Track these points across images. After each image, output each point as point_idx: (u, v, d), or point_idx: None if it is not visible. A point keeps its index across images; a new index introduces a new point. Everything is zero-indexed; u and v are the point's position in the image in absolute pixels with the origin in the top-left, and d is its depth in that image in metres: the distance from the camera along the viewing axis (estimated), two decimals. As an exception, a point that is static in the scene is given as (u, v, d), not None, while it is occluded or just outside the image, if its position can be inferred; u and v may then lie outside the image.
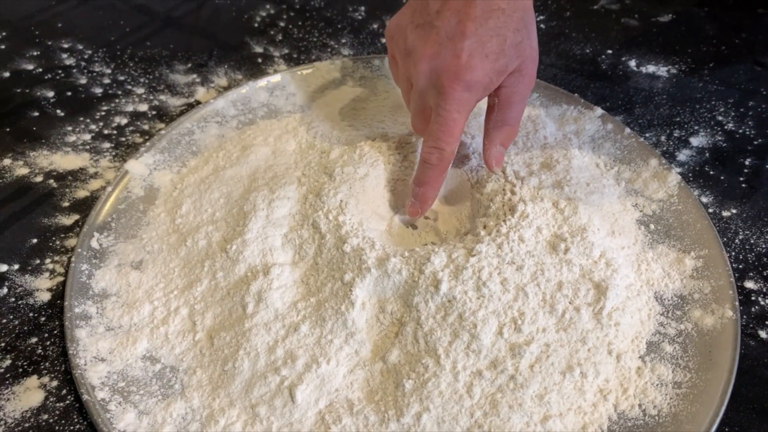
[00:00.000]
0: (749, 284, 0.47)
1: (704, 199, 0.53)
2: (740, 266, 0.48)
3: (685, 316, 0.44)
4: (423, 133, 0.47)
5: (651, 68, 0.67)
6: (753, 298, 0.46)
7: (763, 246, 0.50)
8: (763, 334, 0.44)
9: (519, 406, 0.38)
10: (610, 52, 0.69)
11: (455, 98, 0.43)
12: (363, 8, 0.74)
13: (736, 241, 0.50)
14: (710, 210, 0.52)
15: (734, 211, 0.52)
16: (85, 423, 0.39)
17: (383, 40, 0.70)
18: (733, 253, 0.49)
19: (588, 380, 0.40)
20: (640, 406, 0.40)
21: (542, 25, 0.73)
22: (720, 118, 0.61)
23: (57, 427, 0.39)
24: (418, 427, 0.37)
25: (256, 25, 0.72)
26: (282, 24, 0.72)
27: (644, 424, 0.39)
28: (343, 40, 0.70)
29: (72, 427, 0.39)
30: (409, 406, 0.38)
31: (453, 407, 0.38)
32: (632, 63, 0.67)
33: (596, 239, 0.45)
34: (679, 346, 0.43)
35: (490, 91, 0.45)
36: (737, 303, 0.44)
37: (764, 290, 0.47)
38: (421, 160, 0.46)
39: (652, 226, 0.50)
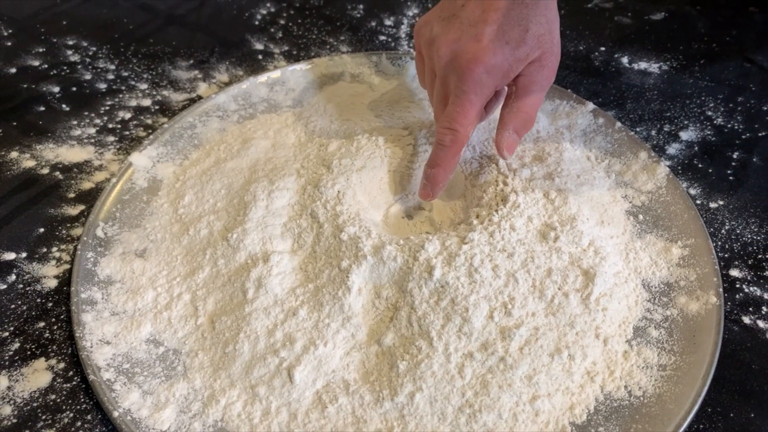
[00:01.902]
0: (734, 272, 0.49)
1: (693, 191, 0.55)
2: (726, 255, 0.50)
3: (671, 302, 0.46)
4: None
5: (643, 65, 0.68)
6: (738, 286, 0.48)
7: (749, 236, 0.51)
8: (746, 319, 0.46)
9: (508, 386, 0.40)
10: (603, 49, 0.70)
11: (473, 79, 0.44)
12: (361, 6, 0.76)
13: (723, 231, 0.52)
14: (698, 201, 0.54)
15: (721, 202, 0.54)
16: (91, 402, 0.40)
17: (381, 38, 0.71)
18: (720, 243, 0.51)
19: (576, 362, 0.41)
20: (626, 387, 0.41)
21: (537, 23, 0.74)
22: (709, 113, 0.62)
23: (64, 407, 0.40)
24: (412, 406, 0.39)
25: (256, 22, 0.73)
26: (282, 22, 0.74)
27: (629, 404, 0.40)
28: (342, 38, 0.71)
29: (79, 407, 0.40)
30: (403, 386, 0.39)
31: (445, 387, 0.39)
32: (625, 60, 0.69)
33: (585, 228, 0.47)
34: (664, 331, 0.44)
35: (509, 79, 0.46)
36: (721, 290, 0.45)
37: (748, 278, 0.48)
38: (435, 142, 0.47)
39: (640, 217, 0.51)
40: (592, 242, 0.46)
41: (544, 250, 0.45)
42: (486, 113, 0.50)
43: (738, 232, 0.52)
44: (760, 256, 0.50)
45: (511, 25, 0.44)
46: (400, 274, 0.43)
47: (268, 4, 0.76)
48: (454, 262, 0.43)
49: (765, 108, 0.63)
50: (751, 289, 0.48)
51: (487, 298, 0.42)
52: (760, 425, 0.41)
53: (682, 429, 0.39)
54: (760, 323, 0.46)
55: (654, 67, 0.68)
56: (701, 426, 0.40)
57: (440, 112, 0.48)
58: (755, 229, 0.52)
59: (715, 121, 0.61)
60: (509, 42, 0.44)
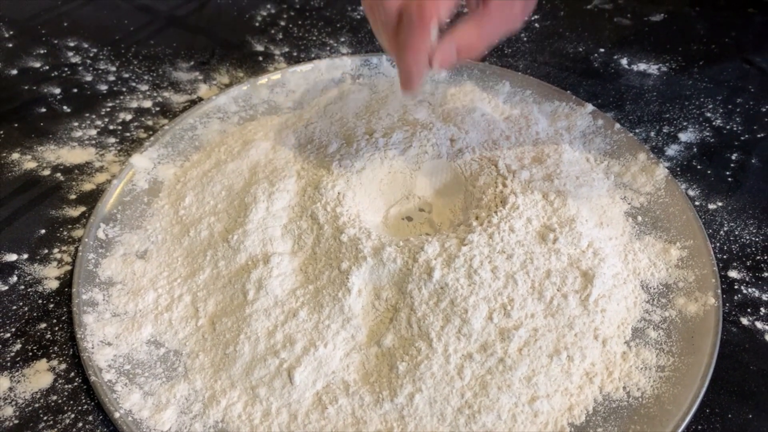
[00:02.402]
0: (732, 273, 0.49)
1: (691, 193, 0.55)
2: (724, 256, 0.50)
3: (669, 303, 0.46)
4: (395, 49, 0.41)
5: (642, 66, 0.68)
6: (736, 287, 0.48)
7: (747, 237, 0.51)
8: (744, 321, 0.46)
9: (508, 387, 0.40)
10: (602, 50, 0.71)
11: None
12: (361, 8, 0.76)
13: (721, 232, 0.52)
14: (697, 203, 0.54)
15: (720, 203, 0.54)
16: (93, 403, 0.41)
17: (381, 39, 0.71)
18: (718, 244, 0.51)
19: (574, 363, 0.41)
20: (624, 388, 0.41)
21: (536, 24, 0.74)
22: (708, 114, 0.63)
23: (66, 408, 0.40)
24: (411, 407, 0.39)
25: (257, 24, 0.74)
26: (282, 23, 0.74)
27: (628, 405, 0.41)
28: (342, 39, 0.72)
29: (80, 407, 0.40)
30: (403, 387, 0.40)
31: (444, 388, 0.40)
32: (624, 61, 0.69)
33: (584, 230, 0.47)
34: (663, 332, 0.44)
35: None
36: (719, 291, 0.45)
37: (747, 279, 0.48)
38: (400, 22, 0.39)
39: (639, 218, 0.51)
40: (591, 244, 0.46)
41: (543, 252, 0.45)
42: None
43: (736, 233, 0.52)
44: (758, 258, 0.50)
45: None
46: (399, 276, 0.44)
47: (269, 6, 0.76)
48: (454, 264, 0.43)
49: (764, 109, 0.63)
50: (750, 290, 0.48)
51: (486, 299, 0.42)
52: (759, 426, 0.41)
53: (681, 430, 0.39)
54: (759, 324, 0.46)
55: (653, 69, 0.68)
56: (699, 427, 0.41)
57: (392, 39, 0.41)
58: (754, 231, 0.52)
59: (713, 123, 0.62)
60: None
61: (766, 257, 0.50)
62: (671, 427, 0.39)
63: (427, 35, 0.39)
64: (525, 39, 0.72)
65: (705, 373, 0.41)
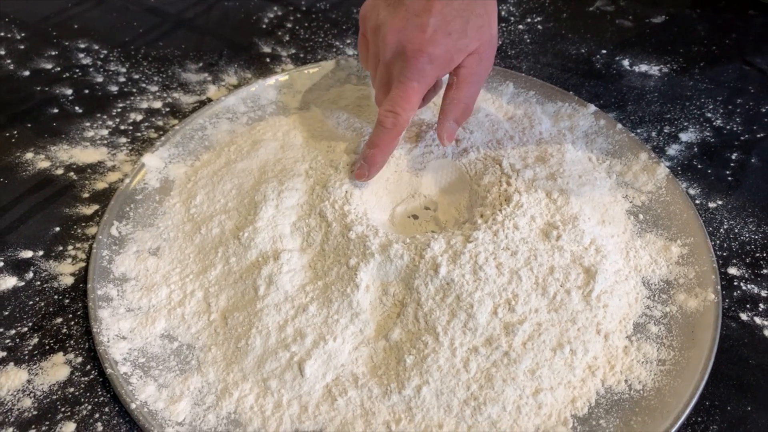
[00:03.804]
0: (732, 270, 0.50)
1: (692, 191, 0.56)
2: (724, 254, 0.51)
3: (670, 299, 0.47)
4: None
5: (644, 67, 0.69)
6: (735, 284, 0.49)
7: (747, 235, 0.52)
8: (743, 316, 0.47)
9: (512, 380, 0.41)
10: (604, 51, 0.72)
11: (417, 68, 0.46)
12: (367, 10, 0.77)
13: (721, 230, 0.53)
14: (697, 201, 0.55)
15: (720, 202, 0.55)
16: (109, 395, 0.42)
17: (386, 41, 0.73)
18: (718, 242, 0.52)
19: (577, 357, 0.42)
20: (626, 381, 0.42)
21: (540, 26, 0.76)
22: (709, 114, 0.64)
23: (82, 399, 0.42)
24: (419, 398, 0.40)
25: (264, 26, 0.75)
26: (289, 25, 0.75)
27: (629, 398, 0.42)
28: (348, 41, 0.73)
29: (96, 399, 0.42)
30: (410, 380, 0.41)
31: (451, 380, 0.41)
32: (626, 62, 0.70)
33: (587, 227, 0.48)
34: (664, 327, 0.45)
35: (450, 68, 0.48)
36: (719, 287, 0.46)
37: (746, 276, 0.50)
38: (376, 124, 0.48)
39: (641, 216, 0.52)
40: (594, 241, 0.48)
41: (546, 249, 0.46)
42: (424, 101, 0.52)
43: (736, 231, 0.53)
44: (757, 255, 0.51)
45: (453, 16, 0.46)
46: (406, 272, 0.45)
47: (275, 8, 0.78)
48: (459, 260, 0.44)
49: (763, 110, 0.64)
50: (749, 286, 0.49)
51: (491, 294, 0.43)
52: (757, 418, 0.42)
53: (681, 422, 0.40)
54: (757, 320, 0.47)
55: (654, 70, 0.69)
56: (699, 419, 0.42)
57: (382, 94, 0.50)
58: (753, 228, 0.53)
59: (714, 123, 0.63)
60: (451, 33, 0.46)
61: (764, 254, 0.51)
62: (671, 419, 0.40)
63: (397, 141, 0.49)
64: (528, 41, 0.73)
65: (705, 366, 0.42)
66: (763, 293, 0.48)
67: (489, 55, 0.49)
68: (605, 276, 0.46)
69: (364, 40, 0.52)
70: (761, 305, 0.48)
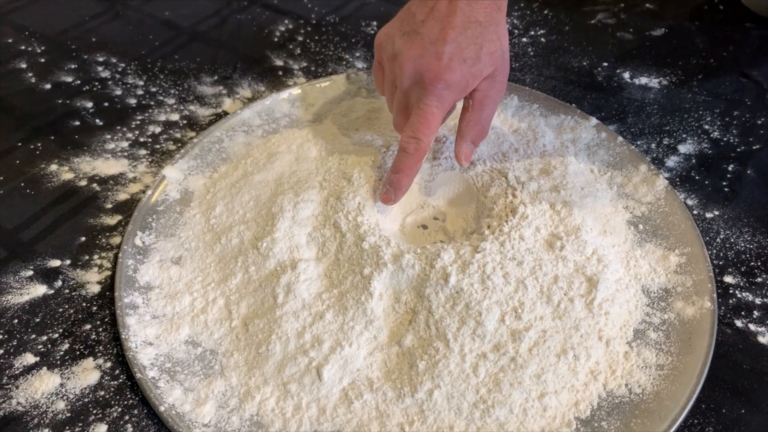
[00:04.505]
0: (728, 279, 0.52)
1: (690, 202, 0.58)
2: (720, 263, 0.53)
3: (668, 306, 0.49)
4: (402, 131, 0.52)
5: (644, 80, 0.72)
6: (731, 292, 0.51)
7: (742, 244, 0.55)
8: (738, 323, 0.49)
9: (519, 384, 0.43)
10: (605, 64, 0.74)
11: (436, 94, 0.49)
12: (375, 23, 0.80)
13: (718, 239, 0.55)
14: (695, 212, 0.57)
15: (717, 212, 0.57)
16: (137, 398, 0.44)
17: (394, 54, 0.75)
18: (715, 251, 0.54)
19: (580, 362, 0.45)
20: (626, 385, 0.45)
21: (543, 39, 0.78)
22: (706, 126, 0.66)
23: (113, 402, 0.44)
24: (430, 401, 0.43)
25: (275, 39, 0.77)
26: (300, 38, 0.77)
27: (630, 401, 0.44)
28: (357, 54, 0.75)
29: (126, 402, 0.44)
30: (422, 384, 0.43)
31: (461, 385, 0.43)
32: (626, 75, 0.72)
33: (589, 238, 0.51)
34: (662, 333, 0.48)
35: (467, 93, 0.51)
36: (715, 295, 0.49)
37: (741, 284, 0.52)
38: (399, 149, 0.51)
39: (640, 226, 0.55)
40: (596, 251, 0.50)
41: (550, 259, 0.48)
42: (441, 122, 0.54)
43: (732, 240, 0.55)
44: (752, 264, 0.53)
45: (467, 44, 0.48)
46: (418, 281, 0.47)
47: (286, 21, 0.80)
48: (468, 270, 0.47)
49: (759, 122, 0.66)
50: (744, 294, 0.51)
51: (498, 303, 0.46)
52: (750, 421, 0.44)
53: (678, 424, 0.42)
54: (752, 326, 0.49)
55: (654, 82, 0.71)
56: (696, 421, 0.44)
57: (400, 120, 0.52)
58: (748, 238, 0.55)
59: (711, 135, 0.65)
60: (466, 60, 0.48)
61: (759, 263, 0.53)
62: (669, 421, 0.42)
63: (420, 164, 0.51)
64: (532, 53, 0.76)
65: (701, 371, 0.44)
66: (758, 301, 0.51)
67: (502, 78, 0.52)
68: (607, 285, 0.48)
69: (380, 68, 0.55)
70: (755, 312, 0.50)
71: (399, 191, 0.51)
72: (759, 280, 0.52)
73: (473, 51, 0.48)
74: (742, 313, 0.50)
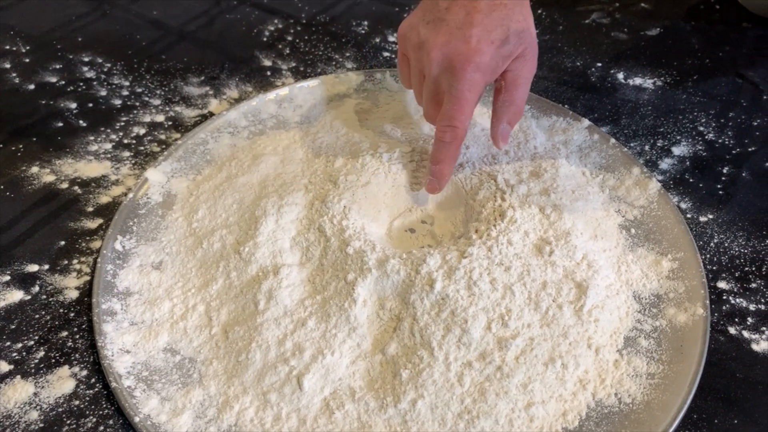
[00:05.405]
0: (722, 284, 0.51)
1: (683, 205, 0.57)
2: (714, 268, 0.52)
3: (660, 313, 0.48)
4: (435, 121, 0.51)
5: (638, 80, 0.71)
6: (724, 298, 0.50)
7: (736, 249, 0.54)
8: (732, 330, 0.48)
9: (505, 393, 0.42)
10: (599, 65, 0.73)
11: (467, 78, 0.48)
12: (366, 23, 0.78)
13: (711, 244, 0.54)
14: (688, 215, 0.56)
15: (711, 216, 0.56)
16: (113, 408, 0.43)
17: (385, 54, 0.74)
18: (708, 256, 0.53)
19: (568, 371, 0.43)
20: (616, 394, 0.44)
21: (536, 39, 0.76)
22: (701, 128, 0.65)
23: (87, 412, 0.43)
24: (414, 412, 0.41)
25: (264, 39, 0.76)
26: (289, 38, 0.76)
27: (619, 411, 0.43)
28: (347, 54, 0.74)
29: (101, 412, 0.43)
30: (406, 394, 0.42)
31: (445, 394, 0.42)
32: (620, 75, 0.71)
33: (579, 243, 0.49)
34: (653, 341, 0.46)
35: (497, 75, 0.50)
36: (708, 302, 0.47)
37: (735, 290, 0.51)
38: (435, 140, 0.50)
39: (632, 231, 0.54)
40: (586, 256, 0.49)
41: (539, 264, 0.47)
42: None
43: (726, 245, 0.54)
44: (746, 269, 0.52)
45: (494, 26, 0.47)
46: (403, 287, 0.46)
47: (276, 21, 0.79)
48: (454, 276, 0.45)
49: (755, 123, 0.65)
50: (738, 300, 0.50)
51: (485, 309, 0.44)
52: (744, 431, 0.43)
53: (669, 434, 0.41)
54: (745, 333, 0.48)
55: (648, 83, 0.70)
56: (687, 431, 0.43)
57: (432, 110, 0.52)
58: (743, 243, 0.54)
59: (706, 137, 0.64)
60: (494, 41, 0.47)
61: (753, 268, 0.52)
62: (660, 432, 0.41)
63: (458, 152, 0.51)
64: (524, 53, 0.74)
65: (693, 380, 0.43)
66: (752, 307, 0.50)
67: (532, 57, 0.51)
68: (597, 291, 0.47)
69: (405, 60, 0.54)
70: (749, 319, 0.49)
71: (442, 180, 0.52)
72: (753, 285, 0.51)
73: (501, 32, 0.47)
74: (736, 319, 0.49)
